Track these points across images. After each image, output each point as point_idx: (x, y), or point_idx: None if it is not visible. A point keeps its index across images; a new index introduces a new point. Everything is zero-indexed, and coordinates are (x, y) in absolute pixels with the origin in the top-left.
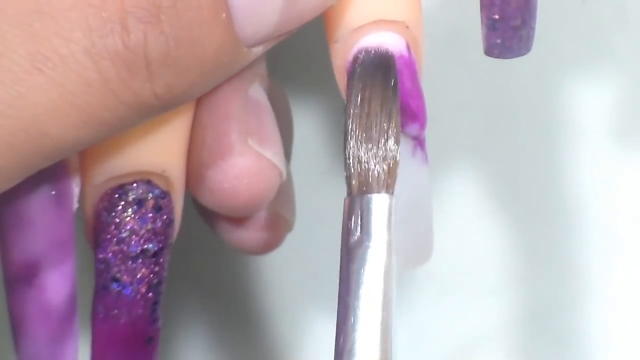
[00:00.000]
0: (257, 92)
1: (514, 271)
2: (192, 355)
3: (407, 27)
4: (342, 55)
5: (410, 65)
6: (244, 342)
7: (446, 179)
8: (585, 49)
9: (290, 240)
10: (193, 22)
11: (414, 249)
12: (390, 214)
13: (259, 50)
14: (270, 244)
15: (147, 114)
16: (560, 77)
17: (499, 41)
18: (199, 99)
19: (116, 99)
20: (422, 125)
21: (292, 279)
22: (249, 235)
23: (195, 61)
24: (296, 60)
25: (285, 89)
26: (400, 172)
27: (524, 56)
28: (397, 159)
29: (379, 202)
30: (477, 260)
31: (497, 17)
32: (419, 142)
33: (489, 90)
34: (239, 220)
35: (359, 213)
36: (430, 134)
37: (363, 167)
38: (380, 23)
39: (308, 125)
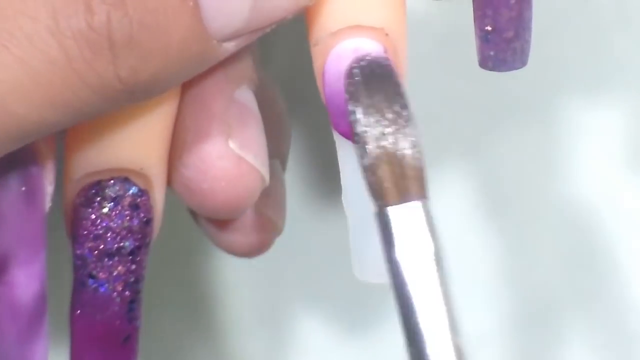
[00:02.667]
0: (244, 96)
1: (513, 271)
2: (179, 355)
3: (387, 34)
4: (320, 58)
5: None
6: (234, 344)
7: (446, 179)
8: (585, 49)
9: (288, 241)
10: (158, 7)
11: (378, 259)
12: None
13: (230, 46)
14: (258, 248)
15: (113, 100)
16: (560, 77)
17: (492, 53)
18: (182, 98)
19: (80, 79)
20: None
21: (288, 279)
22: (237, 237)
23: (159, 47)
24: (296, 61)
25: (286, 90)
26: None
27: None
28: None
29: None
30: (477, 260)
31: (489, 28)
32: None
33: (489, 90)
34: (226, 222)
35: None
36: (429, 133)
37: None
38: (358, 28)
39: (307, 125)
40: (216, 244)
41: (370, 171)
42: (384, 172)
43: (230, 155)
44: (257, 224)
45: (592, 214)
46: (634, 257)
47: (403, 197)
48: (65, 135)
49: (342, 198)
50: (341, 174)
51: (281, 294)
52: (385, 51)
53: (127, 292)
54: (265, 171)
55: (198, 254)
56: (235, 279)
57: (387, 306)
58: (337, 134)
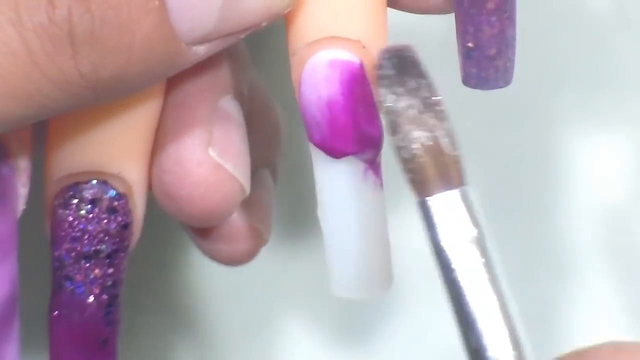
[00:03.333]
0: (228, 105)
1: (513, 271)
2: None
3: (364, 46)
4: (297, 68)
5: (363, 86)
6: (221, 353)
7: None
8: (585, 49)
9: (279, 249)
10: (122, 5)
11: (370, 276)
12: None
13: (201, 50)
14: (242, 257)
15: (78, 96)
16: (559, 77)
17: (474, 71)
18: (165, 104)
19: (41, 73)
20: (376, 151)
21: (277, 287)
22: (221, 246)
23: (122, 44)
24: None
25: (281, 98)
26: (349, 196)
27: (523, 58)
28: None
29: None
30: None
31: (471, 45)
32: (371, 165)
33: (488, 91)
34: (211, 230)
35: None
36: None
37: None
38: (334, 39)
39: (301, 133)
40: (202, 251)
41: (411, 161)
42: (426, 161)
43: (209, 163)
44: (242, 233)
45: (594, 214)
46: (634, 256)
47: (446, 185)
48: (45, 137)
49: (318, 212)
50: (317, 187)
51: (270, 301)
52: (362, 64)
53: (104, 296)
54: (244, 181)
55: (186, 261)
56: (224, 287)
57: (376, 315)
58: (313, 146)
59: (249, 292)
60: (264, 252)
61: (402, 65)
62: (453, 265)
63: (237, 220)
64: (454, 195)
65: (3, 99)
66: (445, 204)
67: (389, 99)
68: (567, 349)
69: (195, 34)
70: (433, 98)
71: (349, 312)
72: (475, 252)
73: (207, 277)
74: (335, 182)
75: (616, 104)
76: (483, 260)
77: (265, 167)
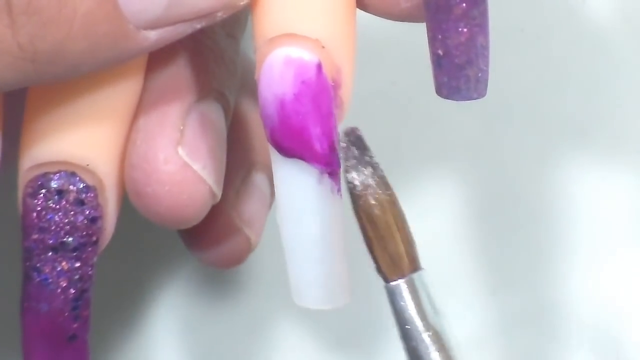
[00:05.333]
0: (208, 108)
1: (513, 271)
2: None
3: (323, 46)
4: (257, 66)
5: (319, 87)
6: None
7: (445, 178)
8: (585, 49)
9: (275, 252)
10: None
11: (328, 286)
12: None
13: (152, 35)
14: (229, 261)
15: (18, 69)
16: (559, 77)
17: (445, 79)
18: (141, 100)
19: None
20: (326, 166)
21: (275, 290)
22: (209, 249)
23: (61, 18)
24: None
25: None
26: (303, 199)
27: (523, 56)
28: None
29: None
30: (476, 260)
31: (440, 52)
32: (328, 172)
33: (488, 90)
34: (198, 233)
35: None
36: (429, 133)
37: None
38: (291, 37)
39: None
40: (191, 252)
41: (379, 241)
42: (396, 239)
43: (177, 161)
44: (228, 235)
45: (593, 214)
46: (633, 256)
47: (414, 266)
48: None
49: (277, 219)
50: (276, 193)
51: (270, 302)
52: (319, 64)
53: (71, 290)
54: (214, 183)
55: (180, 265)
56: (224, 287)
57: (377, 315)
58: (273, 149)
59: (248, 292)
60: (264, 252)
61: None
62: (429, 351)
63: (223, 222)
64: (420, 276)
65: None
66: (417, 286)
67: (355, 178)
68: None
69: (144, 17)
70: (384, 180)
71: (349, 313)
72: (447, 338)
73: (207, 277)
74: (289, 182)
75: (616, 104)
76: (437, 344)
77: (261, 171)
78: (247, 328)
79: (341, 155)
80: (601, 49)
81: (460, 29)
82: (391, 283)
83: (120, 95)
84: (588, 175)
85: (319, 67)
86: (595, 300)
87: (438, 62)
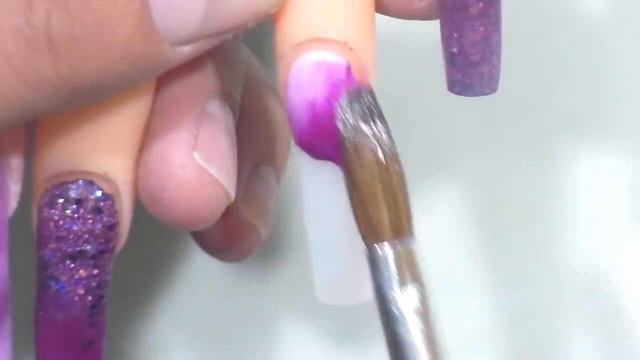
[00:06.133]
0: (217, 108)
1: (511, 271)
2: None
3: (350, 48)
4: (283, 71)
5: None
6: (222, 352)
7: (445, 178)
8: (585, 48)
9: (280, 248)
10: (101, 7)
11: (354, 283)
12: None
13: (186, 50)
14: (238, 254)
15: (58, 98)
16: (558, 77)
17: (459, 77)
18: (153, 105)
19: (18, 77)
20: None
21: (278, 286)
22: (217, 242)
23: (102, 46)
24: None
25: None
26: (332, 201)
27: (523, 56)
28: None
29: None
30: (473, 260)
31: (455, 50)
32: None
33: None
34: (209, 229)
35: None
36: (429, 133)
37: None
38: (320, 41)
39: None
40: (200, 247)
41: (361, 202)
42: (379, 205)
43: (193, 166)
44: (239, 229)
45: (593, 214)
46: (633, 256)
47: (397, 234)
48: (35, 135)
49: (304, 219)
50: (304, 192)
51: (270, 302)
52: (349, 66)
53: (88, 297)
54: (229, 185)
55: (185, 259)
56: (224, 287)
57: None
58: (299, 148)
59: (249, 293)
60: (265, 251)
61: (364, 106)
62: (399, 318)
63: (234, 217)
64: (405, 246)
65: None
66: (398, 254)
67: (348, 138)
68: (567, 349)
69: (179, 35)
70: (391, 143)
71: (350, 312)
72: (419, 307)
73: (207, 277)
74: (319, 186)
75: (615, 104)
76: (426, 316)
77: (267, 163)
78: (250, 325)
79: (347, 110)
80: (601, 49)
81: (476, 28)
82: (369, 246)
83: (134, 102)
84: (588, 175)
85: (349, 69)
86: (596, 300)
87: (452, 60)
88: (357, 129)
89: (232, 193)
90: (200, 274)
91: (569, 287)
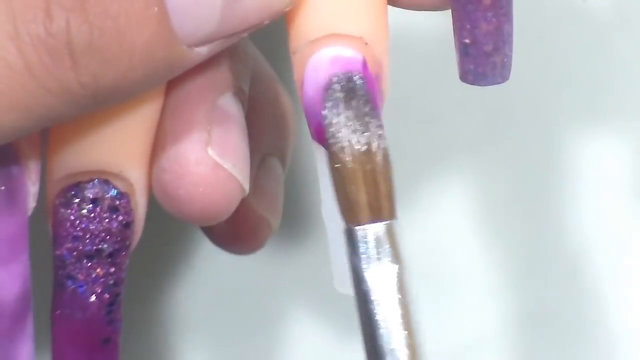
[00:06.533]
0: (228, 103)
1: (513, 271)
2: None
3: (366, 43)
4: (299, 67)
5: (368, 84)
6: (229, 347)
7: (446, 178)
8: (585, 49)
9: (287, 242)
10: (120, 13)
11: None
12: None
13: (203, 50)
14: (250, 246)
15: (78, 105)
16: (559, 77)
17: (472, 67)
18: (165, 103)
19: (39, 85)
20: None
21: (285, 281)
22: (229, 234)
23: (122, 53)
24: None
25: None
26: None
27: (523, 57)
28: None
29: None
30: (476, 261)
31: (468, 41)
32: None
33: (488, 90)
34: (220, 223)
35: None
36: (430, 133)
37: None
38: (336, 36)
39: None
40: (211, 240)
41: (341, 185)
42: (357, 187)
43: (208, 162)
44: (250, 222)
45: (593, 214)
46: (634, 256)
47: (375, 216)
48: (48, 136)
49: (322, 209)
50: (321, 185)
51: (274, 299)
52: (364, 60)
53: (105, 295)
54: (243, 180)
55: (192, 255)
56: (227, 286)
57: None
58: (317, 143)
59: (252, 290)
60: (273, 247)
61: (351, 91)
62: (372, 297)
63: (244, 209)
64: (382, 227)
65: (2, 113)
66: (373, 235)
67: (333, 121)
68: (568, 349)
69: (197, 36)
70: (377, 125)
71: (353, 309)
72: (393, 288)
73: (210, 276)
74: None
75: (616, 103)
76: (399, 296)
77: (275, 155)
78: (258, 322)
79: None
80: (601, 49)
81: (489, 19)
82: (346, 227)
83: (147, 100)
84: (589, 175)
85: (365, 64)
86: (597, 299)
87: (465, 51)
88: (340, 113)
89: (247, 187)
90: (207, 272)
91: (573, 287)
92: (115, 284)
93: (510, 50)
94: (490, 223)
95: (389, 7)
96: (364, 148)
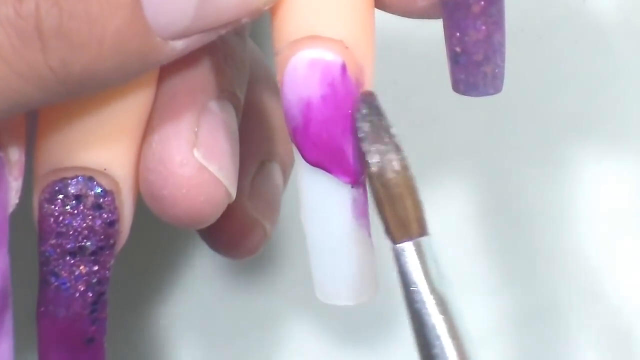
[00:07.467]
0: (219, 107)
1: (513, 271)
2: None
3: (347, 47)
4: (280, 68)
5: (344, 88)
6: (227, 349)
7: (446, 179)
8: (585, 49)
9: (285, 245)
10: None
11: (353, 283)
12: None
13: (179, 45)
14: (244, 251)
15: (49, 91)
16: (559, 77)
17: (462, 76)
18: (154, 103)
19: (9, 68)
20: (350, 179)
21: (283, 284)
22: (224, 239)
23: (92, 38)
24: None
25: None
26: (329, 201)
27: (524, 56)
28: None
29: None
30: (476, 260)
31: (458, 50)
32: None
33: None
34: (214, 226)
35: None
36: (430, 133)
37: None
38: (316, 39)
39: None
40: (206, 244)
41: (390, 202)
42: (405, 204)
43: (193, 164)
44: (245, 226)
45: (593, 214)
46: (632, 257)
47: (421, 231)
48: (36, 131)
49: (301, 217)
50: (300, 190)
51: (274, 297)
52: (344, 64)
53: (89, 293)
54: (229, 184)
55: (190, 256)
56: (226, 287)
57: (380, 314)
58: (295, 148)
59: (252, 292)
60: (269, 250)
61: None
62: (422, 311)
63: (239, 214)
64: (421, 243)
65: None
66: (418, 251)
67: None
68: (568, 349)
69: (172, 29)
70: (402, 153)
71: (353, 311)
72: (439, 301)
73: (207, 277)
74: (314, 186)
75: (616, 103)
76: (441, 308)
77: (274, 161)
78: (254, 325)
79: (359, 119)
80: (601, 49)
81: (478, 27)
82: (398, 245)
83: (135, 98)
84: (589, 175)
85: (344, 67)
86: (597, 299)
87: (455, 59)
88: (379, 137)
89: (233, 192)
90: (203, 274)
91: (574, 287)
92: (99, 282)
93: (502, 61)
94: (490, 223)
95: (380, 11)
96: (403, 164)
